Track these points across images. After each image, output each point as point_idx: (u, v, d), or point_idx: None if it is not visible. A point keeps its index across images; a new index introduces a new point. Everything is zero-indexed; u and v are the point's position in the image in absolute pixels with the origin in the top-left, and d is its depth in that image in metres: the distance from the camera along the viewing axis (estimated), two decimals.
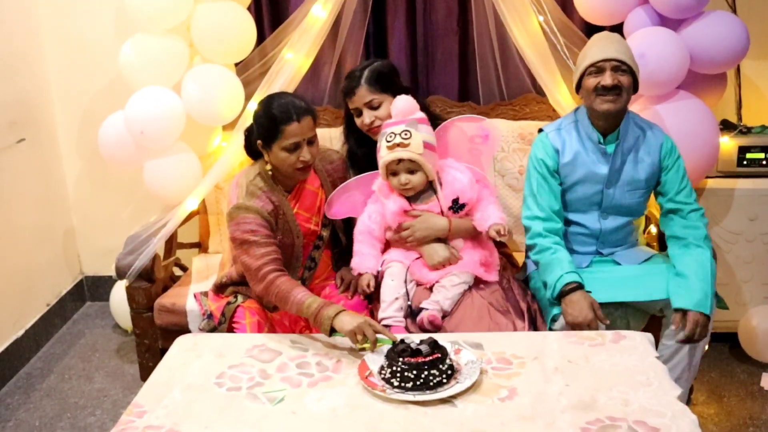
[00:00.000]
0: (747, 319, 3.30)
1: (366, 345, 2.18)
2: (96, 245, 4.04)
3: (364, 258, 2.62)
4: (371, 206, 2.66)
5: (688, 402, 2.86)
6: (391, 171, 2.55)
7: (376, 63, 2.75)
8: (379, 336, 2.19)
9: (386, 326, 2.47)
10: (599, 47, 2.51)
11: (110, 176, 3.84)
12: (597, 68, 2.49)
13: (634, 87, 2.53)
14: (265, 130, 2.45)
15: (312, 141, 2.48)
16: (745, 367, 3.27)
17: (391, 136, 2.51)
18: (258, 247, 2.40)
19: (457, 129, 2.71)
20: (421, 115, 2.58)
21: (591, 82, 2.50)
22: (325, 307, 2.26)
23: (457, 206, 2.59)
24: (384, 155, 2.53)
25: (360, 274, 2.61)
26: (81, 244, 4.11)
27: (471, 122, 2.71)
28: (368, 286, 2.58)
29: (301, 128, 2.42)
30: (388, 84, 2.71)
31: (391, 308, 2.53)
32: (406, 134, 2.49)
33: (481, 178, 2.68)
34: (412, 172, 2.53)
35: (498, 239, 2.60)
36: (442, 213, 2.59)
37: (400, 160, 2.51)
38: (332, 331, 2.23)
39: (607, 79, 2.46)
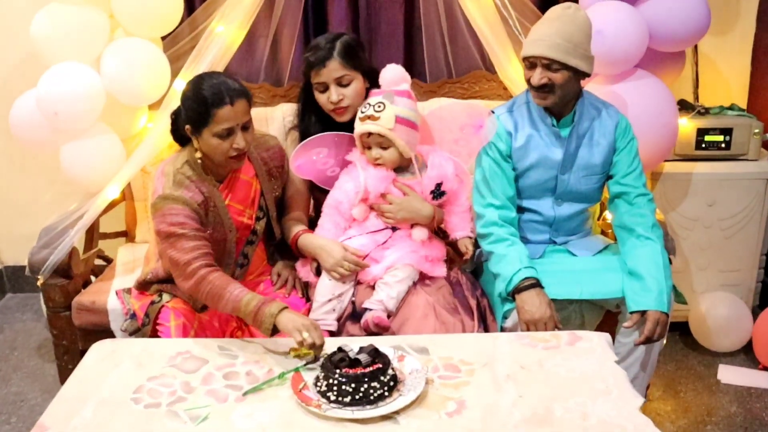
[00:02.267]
0: (696, 307, 3.21)
1: (306, 351, 2.00)
2: (16, 232, 3.75)
3: (323, 232, 2.46)
4: (345, 180, 2.47)
5: (644, 398, 2.74)
6: (365, 144, 2.41)
7: (345, 36, 2.53)
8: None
9: None
10: (535, 37, 2.34)
11: (28, 158, 3.55)
12: (529, 63, 2.36)
13: (583, 73, 2.35)
14: (195, 114, 2.22)
15: (247, 126, 2.27)
16: (701, 358, 3.18)
17: (365, 107, 2.39)
18: (187, 240, 2.19)
19: (447, 116, 2.56)
20: (404, 88, 2.44)
21: (526, 74, 2.39)
22: (267, 304, 2.09)
23: (438, 192, 2.46)
24: (356, 126, 2.42)
25: None
26: None
27: (468, 109, 2.55)
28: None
29: (234, 112, 2.20)
30: (358, 61, 2.51)
31: (321, 309, 2.37)
32: (379, 107, 2.36)
33: (461, 173, 2.53)
34: (384, 147, 2.39)
35: (465, 256, 2.50)
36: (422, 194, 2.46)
37: (369, 134, 2.37)
38: (273, 331, 2.06)
39: (535, 77, 2.34)
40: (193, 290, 2.20)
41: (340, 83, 2.48)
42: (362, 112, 2.39)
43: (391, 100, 2.37)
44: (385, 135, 2.35)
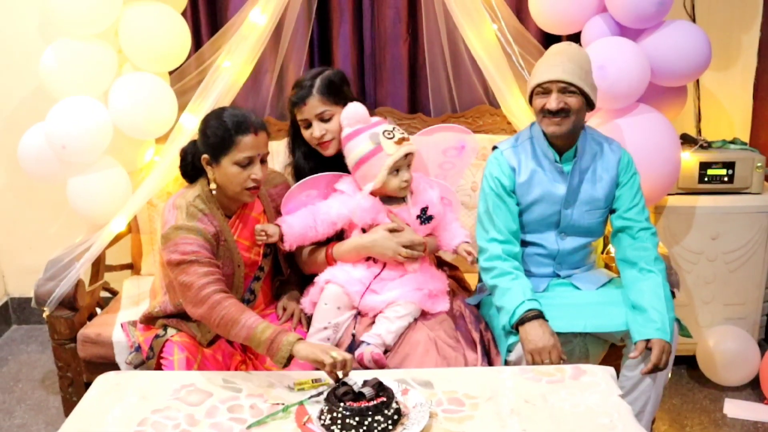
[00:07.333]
0: (704, 341, 3.19)
1: (311, 384, 2.03)
2: (22, 264, 3.76)
3: (291, 219, 2.43)
4: (335, 199, 2.46)
5: None
6: (396, 168, 2.39)
7: (327, 71, 2.54)
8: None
9: None
10: (548, 65, 2.36)
11: (35, 189, 3.56)
12: (543, 89, 2.36)
13: (590, 104, 2.39)
14: (218, 140, 2.24)
15: (264, 159, 2.30)
16: (707, 392, 3.15)
17: (389, 134, 2.39)
18: (200, 266, 2.18)
19: (429, 142, 2.58)
20: (378, 119, 2.49)
21: (538, 102, 2.39)
22: (284, 333, 2.07)
23: (425, 216, 2.46)
24: (393, 151, 2.37)
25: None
26: (5, 263, 3.84)
27: (449, 132, 2.57)
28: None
29: (257, 142, 2.24)
30: (340, 95, 2.52)
31: (316, 337, 2.36)
32: (398, 130, 2.43)
33: (446, 195, 2.57)
34: (409, 166, 2.44)
35: (468, 260, 2.47)
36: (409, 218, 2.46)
37: (407, 154, 2.40)
38: (286, 362, 2.06)
39: (552, 102, 2.34)
40: (205, 316, 2.17)
41: (322, 119, 2.50)
42: (389, 137, 2.38)
43: (393, 125, 2.44)
44: (415, 153, 2.42)
